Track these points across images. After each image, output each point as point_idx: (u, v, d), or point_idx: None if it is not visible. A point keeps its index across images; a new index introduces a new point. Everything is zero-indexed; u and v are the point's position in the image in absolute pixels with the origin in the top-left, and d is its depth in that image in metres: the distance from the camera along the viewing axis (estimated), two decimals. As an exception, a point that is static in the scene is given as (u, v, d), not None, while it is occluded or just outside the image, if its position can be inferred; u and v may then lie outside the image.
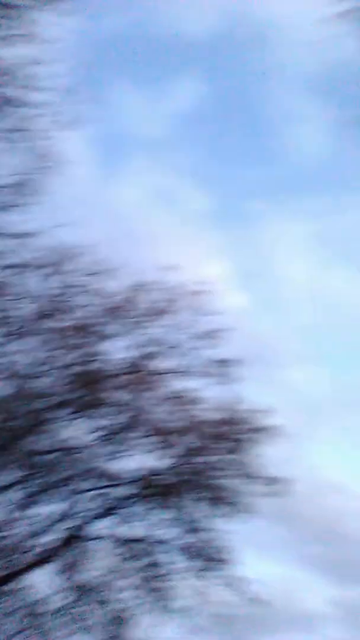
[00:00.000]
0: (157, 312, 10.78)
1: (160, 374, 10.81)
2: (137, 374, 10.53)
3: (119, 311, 10.50)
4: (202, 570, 10.06)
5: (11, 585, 9.81)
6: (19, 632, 9.77)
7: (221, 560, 10.11)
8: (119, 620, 9.95)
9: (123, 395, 10.46)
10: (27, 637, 9.72)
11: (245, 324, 11.62)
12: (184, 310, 10.88)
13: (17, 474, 9.98)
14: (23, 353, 10.11)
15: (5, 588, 9.78)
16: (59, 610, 9.84)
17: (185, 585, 9.98)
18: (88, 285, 10.34)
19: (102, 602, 10.03)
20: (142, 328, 10.67)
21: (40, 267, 9.88)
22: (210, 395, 10.86)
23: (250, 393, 10.66)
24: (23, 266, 9.70)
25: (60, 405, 10.09)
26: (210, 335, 10.86)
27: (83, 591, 10.05)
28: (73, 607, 9.96)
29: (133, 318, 10.61)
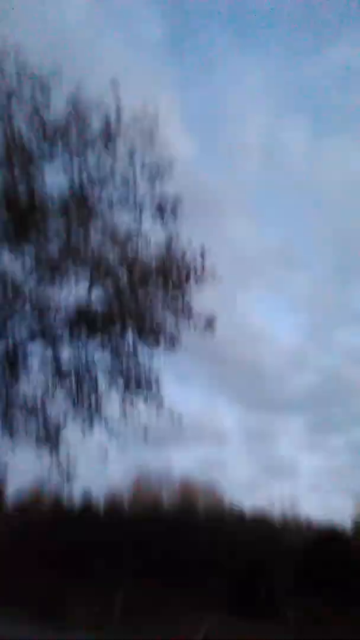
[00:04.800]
0: (99, 138, 10.15)
1: (98, 205, 10.57)
2: (74, 203, 10.25)
3: (59, 131, 9.83)
4: (128, 390, 10.84)
5: None
6: None
7: (147, 383, 10.89)
8: (52, 433, 10.76)
9: (58, 225, 10.26)
10: None
11: (191, 167, 11.25)
12: (128, 139, 10.33)
13: None
14: None
15: None
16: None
17: (113, 402, 10.81)
18: (25, 99, 9.54)
19: (35, 416, 10.74)
20: (82, 153, 10.15)
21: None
22: (148, 231, 10.82)
23: (189, 235, 10.69)
24: None
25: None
26: (154, 169, 10.50)
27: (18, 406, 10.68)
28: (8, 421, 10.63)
29: (73, 141, 10.00)
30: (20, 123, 9.51)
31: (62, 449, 10.56)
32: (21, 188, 9.84)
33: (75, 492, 29.93)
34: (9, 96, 9.29)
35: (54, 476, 10.58)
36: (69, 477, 10.57)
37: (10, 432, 10.51)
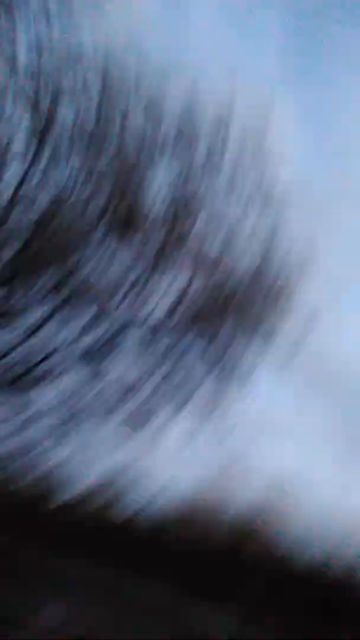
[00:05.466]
0: (208, 131, 9.67)
1: (201, 196, 10.28)
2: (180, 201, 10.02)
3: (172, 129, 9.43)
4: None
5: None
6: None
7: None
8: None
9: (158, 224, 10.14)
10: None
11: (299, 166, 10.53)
12: (235, 127, 9.82)
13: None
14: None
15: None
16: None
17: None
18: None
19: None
20: (190, 149, 9.73)
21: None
22: (251, 224, 10.56)
23: (292, 232, 10.37)
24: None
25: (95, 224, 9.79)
26: (259, 158, 10.07)
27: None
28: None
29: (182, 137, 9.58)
30: (136, 119, 9.15)
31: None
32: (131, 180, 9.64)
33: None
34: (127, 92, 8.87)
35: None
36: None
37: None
